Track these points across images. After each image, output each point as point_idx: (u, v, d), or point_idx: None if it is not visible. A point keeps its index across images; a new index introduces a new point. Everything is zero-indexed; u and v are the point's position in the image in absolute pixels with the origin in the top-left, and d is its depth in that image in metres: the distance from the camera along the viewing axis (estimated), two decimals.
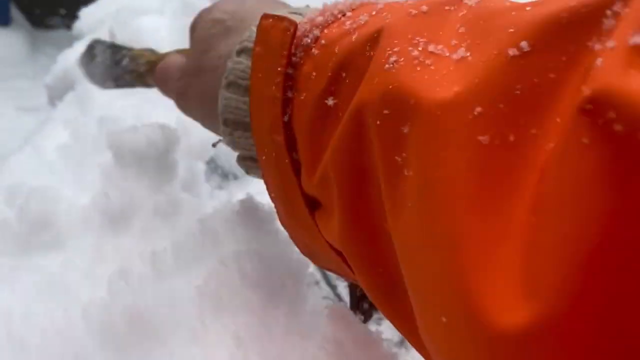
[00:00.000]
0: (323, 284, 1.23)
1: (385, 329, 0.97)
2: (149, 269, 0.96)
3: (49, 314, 0.97)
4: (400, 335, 0.57)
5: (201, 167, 1.49)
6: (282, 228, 0.89)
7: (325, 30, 0.60)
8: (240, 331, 0.86)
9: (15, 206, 1.15)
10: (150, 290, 0.93)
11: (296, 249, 0.86)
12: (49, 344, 0.92)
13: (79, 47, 2.01)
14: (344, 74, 0.55)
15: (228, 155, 1.84)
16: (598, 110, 0.28)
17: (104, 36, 1.87)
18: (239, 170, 1.88)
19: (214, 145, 0.94)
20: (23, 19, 7.55)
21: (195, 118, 0.91)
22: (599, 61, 0.31)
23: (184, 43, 2.29)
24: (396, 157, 0.43)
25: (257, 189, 1.81)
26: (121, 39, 1.78)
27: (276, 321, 0.88)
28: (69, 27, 2.39)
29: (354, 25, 0.56)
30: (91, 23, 2.16)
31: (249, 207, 1.01)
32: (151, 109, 1.63)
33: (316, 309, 0.92)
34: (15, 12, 7.49)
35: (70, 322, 0.94)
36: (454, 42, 0.45)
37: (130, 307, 0.90)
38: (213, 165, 1.94)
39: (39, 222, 1.15)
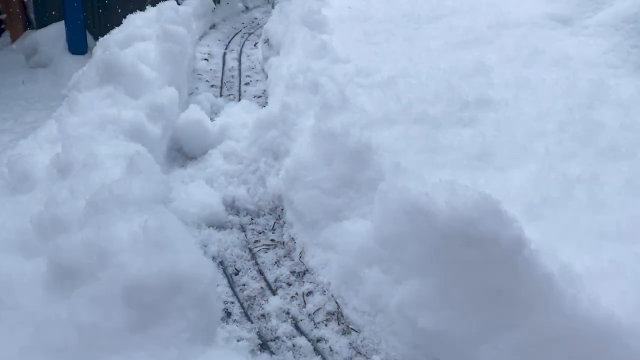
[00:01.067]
0: None
1: None
2: (67, 194, 1.63)
3: (12, 221, 1.65)
4: None
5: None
6: None
7: None
8: None
9: (9, 166, 1.85)
10: (67, 205, 1.59)
11: None
12: (6, 236, 1.60)
13: (87, 69, 2.74)
14: None
15: (193, 143, 2.51)
16: None
17: (106, 58, 2.55)
18: (198, 153, 2.53)
19: None
20: None
21: None
22: None
23: (165, 61, 2.98)
24: None
25: (206, 165, 2.42)
26: (124, 57, 2.45)
27: None
28: None
29: None
30: (103, 47, 2.87)
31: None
32: (121, 109, 2.32)
33: None
34: (91, 42, 8.51)
35: (23, 225, 1.62)
36: None
37: (52, 213, 1.57)
38: (182, 151, 2.62)
39: (22, 176, 1.84)
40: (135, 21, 3.13)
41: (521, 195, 1.77)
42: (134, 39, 2.90)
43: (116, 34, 2.92)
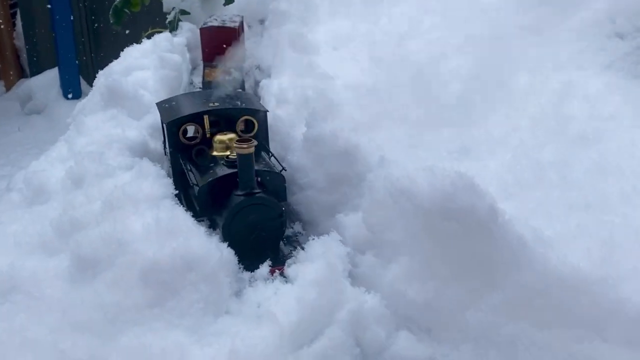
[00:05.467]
0: None
1: None
2: (84, 199, 1.78)
3: (33, 227, 1.80)
4: None
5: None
6: None
7: None
8: None
9: (25, 182, 2.01)
10: (83, 208, 1.75)
11: None
12: (29, 240, 1.76)
13: (90, 96, 2.91)
14: None
15: None
16: None
17: (109, 85, 2.70)
18: None
19: None
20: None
21: None
22: None
23: (162, 86, 3.18)
24: None
25: None
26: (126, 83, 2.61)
27: None
28: None
29: None
30: (105, 75, 3.03)
31: None
32: (125, 128, 2.49)
33: None
34: (85, 86, 8.73)
35: (42, 229, 1.78)
36: None
37: (70, 215, 1.72)
38: None
39: (38, 189, 2.00)
40: (132, 53, 3.31)
41: (496, 178, 1.94)
42: (132, 69, 3.08)
43: (115, 65, 3.10)
